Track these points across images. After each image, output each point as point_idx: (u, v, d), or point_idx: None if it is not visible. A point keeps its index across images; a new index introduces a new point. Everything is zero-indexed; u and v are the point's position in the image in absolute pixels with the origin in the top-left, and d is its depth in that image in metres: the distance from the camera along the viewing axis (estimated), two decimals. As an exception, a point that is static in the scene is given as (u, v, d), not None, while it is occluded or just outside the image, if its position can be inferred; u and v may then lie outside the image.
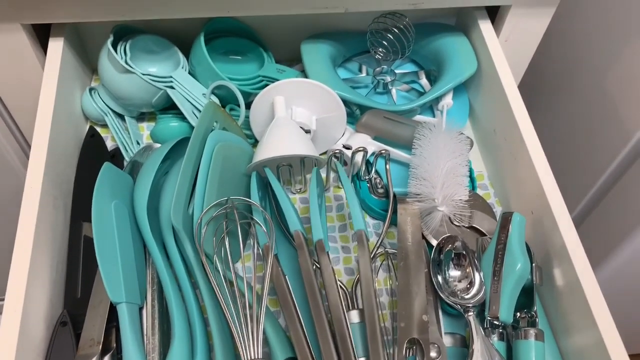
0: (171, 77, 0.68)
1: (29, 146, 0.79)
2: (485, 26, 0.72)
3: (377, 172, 0.68)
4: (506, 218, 0.57)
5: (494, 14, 0.73)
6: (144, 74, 0.66)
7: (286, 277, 0.58)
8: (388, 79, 0.75)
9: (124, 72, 0.65)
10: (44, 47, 0.67)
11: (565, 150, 0.93)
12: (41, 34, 0.67)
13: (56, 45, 0.66)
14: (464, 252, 0.59)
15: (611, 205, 0.84)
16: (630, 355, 0.50)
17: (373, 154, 0.67)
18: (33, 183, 0.55)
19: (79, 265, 0.59)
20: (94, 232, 0.55)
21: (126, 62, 0.65)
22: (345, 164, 0.67)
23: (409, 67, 0.80)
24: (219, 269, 0.56)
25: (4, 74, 0.68)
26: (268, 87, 0.65)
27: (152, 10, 0.63)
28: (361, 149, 0.64)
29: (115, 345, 0.55)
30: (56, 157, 0.60)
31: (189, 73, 0.70)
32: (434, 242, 0.61)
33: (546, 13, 0.70)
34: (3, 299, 1.02)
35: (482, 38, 0.71)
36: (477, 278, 0.57)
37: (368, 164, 0.67)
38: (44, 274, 0.54)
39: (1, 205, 0.86)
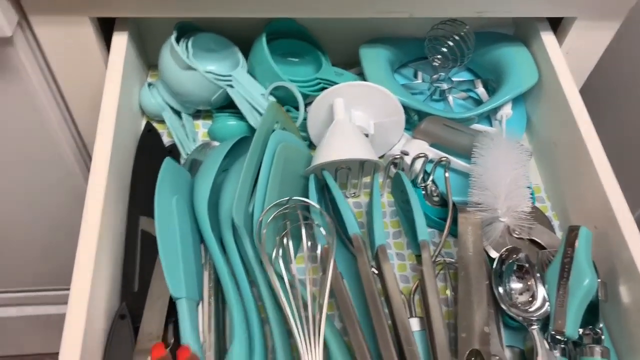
0: (231, 75, 0.68)
1: (82, 138, 0.80)
2: (548, 37, 0.71)
3: (433, 180, 0.67)
4: (573, 232, 0.56)
5: (556, 25, 0.72)
6: (205, 72, 0.66)
7: (344, 279, 0.58)
8: (445, 86, 0.74)
9: (185, 69, 0.65)
10: (105, 41, 0.68)
11: (628, 163, 0.91)
12: (104, 28, 0.67)
13: (120, 40, 0.66)
14: (527, 265, 0.58)
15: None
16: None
17: (431, 161, 0.66)
18: (98, 173, 0.55)
19: (136, 259, 0.59)
20: (157, 227, 0.55)
21: (189, 59, 0.65)
22: (401, 169, 0.66)
23: (464, 76, 0.79)
24: (278, 269, 0.56)
25: (67, 66, 0.68)
26: (328, 89, 0.65)
27: (220, 9, 0.63)
28: (422, 155, 0.63)
29: (173, 340, 0.54)
30: (118, 150, 0.60)
31: (248, 73, 0.70)
32: (493, 254, 0.60)
33: (611, 26, 0.69)
34: (63, 289, 1.01)
35: (544, 49, 0.70)
36: (540, 291, 0.56)
37: (424, 171, 0.67)
38: (105, 266, 0.54)
39: (54, 197, 0.87)
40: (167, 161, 0.59)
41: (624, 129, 0.94)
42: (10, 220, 0.95)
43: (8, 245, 1.03)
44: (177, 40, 0.67)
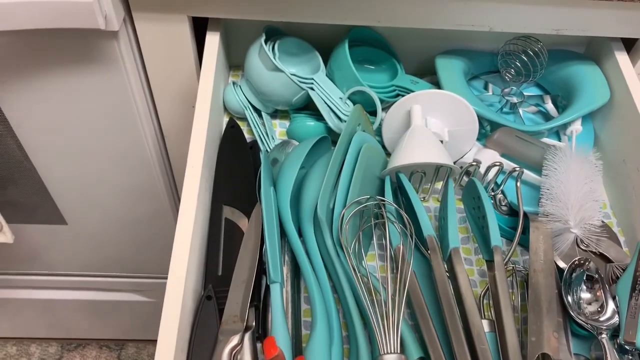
0: (312, 79, 0.72)
1: (162, 131, 0.84)
2: (622, 57, 0.72)
3: (502, 190, 0.69)
4: (646, 246, 0.57)
5: (630, 45, 0.74)
6: (290, 74, 0.69)
7: (417, 278, 0.60)
8: (515, 100, 0.76)
9: (272, 70, 0.69)
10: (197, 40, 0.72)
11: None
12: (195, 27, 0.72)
13: (213, 39, 0.70)
14: (597, 275, 0.59)
15: None
16: None
17: (503, 171, 0.68)
18: (194, 163, 0.59)
19: (220, 245, 0.62)
20: (264, 215, 0.59)
21: (275, 60, 0.69)
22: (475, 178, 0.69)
23: (533, 91, 0.81)
24: (358, 265, 0.58)
25: (160, 60, 0.72)
26: (407, 95, 0.68)
27: (306, 14, 0.67)
28: (498, 163, 0.65)
29: (254, 324, 0.57)
30: (209, 143, 0.64)
31: (327, 77, 0.73)
32: (561, 264, 0.62)
33: (686, 49, 0.71)
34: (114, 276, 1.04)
35: (618, 68, 0.71)
36: (609, 302, 0.57)
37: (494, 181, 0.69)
38: (197, 250, 0.57)
39: (129, 184, 0.92)
40: (264, 155, 0.63)
41: None
42: (84, 208, 1.00)
43: (75, 232, 1.08)
44: (265, 42, 0.71)
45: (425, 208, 0.71)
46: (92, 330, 1.52)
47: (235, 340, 0.54)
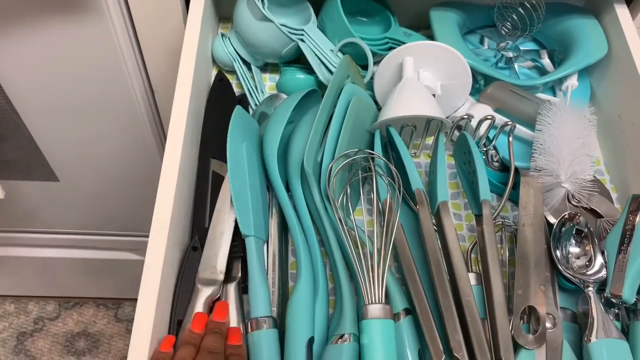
0: (303, 30, 0.70)
1: (150, 84, 0.83)
2: (622, 10, 0.70)
3: (494, 145, 0.68)
4: (636, 200, 0.57)
5: (630, -2, 0.71)
6: (280, 25, 0.67)
7: (404, 231, 0.60)
8: (511, 54, 0.74)
9: (261, 20, 0.67)
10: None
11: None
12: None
13: (200, -12, 0.68)
14: (586, 230, 0.59)
15: None
16: None
17: (495, 126, 0.67)
18: (179, 115, 0.58)
19: (207, 198, 0.62)
20: (229, 169, 0.58)
21: (265, 10, 0.67)
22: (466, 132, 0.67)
23: (529, 45, 0.79)
24: (342, 216, 0.58)
25: (147, 12, 0.71)
26: (399, 47, 0.66)
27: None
28: (490, 117, 0.64)
29: (240, 275, 0.57)
30: (195, 96, 0.63)
31: (318, 28, 0.72)
32: (551, 219, 0.62)
33: (688, 1, 0.69)
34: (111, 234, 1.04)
35: (617, 21, 0.69)
36: (598, 256, 0.57)
37: (487, 136, 0.68)
38: (182, 200, 0.57)
39: (120, 139, 0.91)
40: (238, 109, 0.62)
41: None
42: (75, 163, 0.99)
43: (68, 188, 1.08)
44: (253, -8, 0.69)
45: (416, 163, 0.70)
46: (89, 288, 1.53)
47: (211, 290, 0.54)
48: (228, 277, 0.57)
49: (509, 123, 0.65)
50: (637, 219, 0.56)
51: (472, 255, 0.62)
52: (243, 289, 0.57)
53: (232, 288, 0.56)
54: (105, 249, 1.35)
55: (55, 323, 1.52)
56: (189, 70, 0.61)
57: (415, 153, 0.70)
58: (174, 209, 0.53)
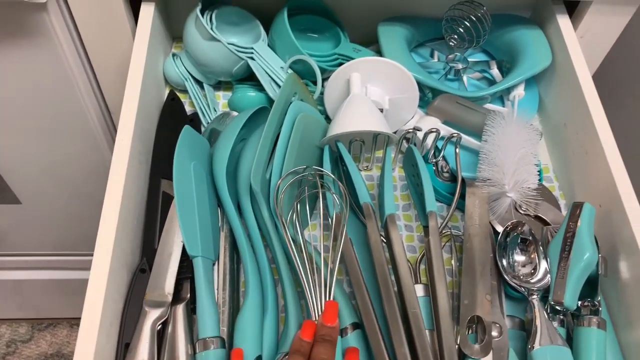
0: (252, 48, 0.71)
1: (107, 105, 0.83)
2: (563, 20, 0.72)
3: (443, 156, 0.69)
4: (577, 207, 0.58)
5: (572, 8, 0.73)
6: (228, 44, 0.68)
7: (353, 246, 0.60)
8: (460, 66, 0.76)
9: (209, 40, 0.68)
10: (133, 11, 0.70)
11: (638, 150, 0.92)
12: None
13: (148, 10, 0.69)
14: (530, 238, 0.60)
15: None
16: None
17: (442, 138, 0.68)
18: (124, 137, 0.58)
19: (157, 219, 0.62)
20: (175, 189, 0.58)
21: (212, 30, 0.68)
22: (414, 145, 0.68)
23: (479, 57, 0.81)
24: (291, 233, 0.58)
25: (96, 34, 0.71)
26: (346, 64, 0.67)
27: (243, -18, 0.65)
28: (434, 129, 0.65)
29: (189, 295, 0.57)
30: (142, 115, 0.63)
31: (268, 46, 0.72)
32: (499, 228, 0.63)
33: (626, 11, 0.70)
34: (84, 254, 1.04)
35: (560, 32, 0.71)
36: (542, 264, 0.58)
37: (436, 147, 0.69)
38: (128, 223, 0.57)
39: (75, 158, 0.90)
40: (186, 129, 0.62)
41: (633, 123, 0.94)
42: (36, 185, 0.99)
43: (32, 210, 1.07)
44: (202, 12, 0.69)
45: (369, 177, 0.71)
46: (62, 309, 1.52)
47: (159, 312, 0.54)
48: (177, 298, 0.57)
49: (455, 135, 0.66)
50: (577, 226, 0.57)
51: (422, 266, 0.62)
52: (192, 309, 0.57)
53: (180, 309, 0.56)
54: (78, 269, 1.34)
55: (28, 345, 1.50)
56: (135, 91, 0.62)
57: (367, 166, 0.71)
58: (119, 231, 0.53)
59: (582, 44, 0.72)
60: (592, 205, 0.60)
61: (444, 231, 0.64)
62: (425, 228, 0.62)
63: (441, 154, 0.68)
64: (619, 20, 0.71)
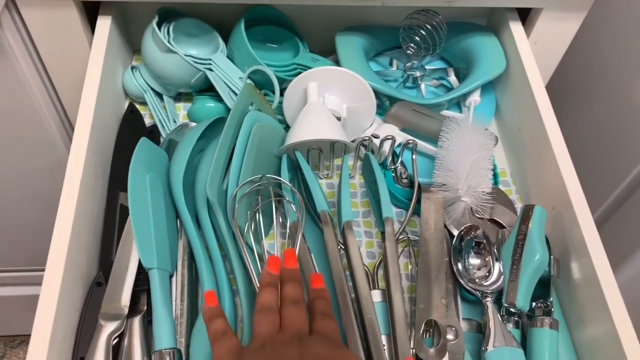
0: (210, 59, 0.71)
1: (68, 118, 0.83)
2: (516, 27, 0.74)
3: (402, 162, 0.70)
4: (528, 210, 0.59)
5: (525, 15, 0.75)
6: (185, 55, 0.68)
7: (312, 254, 0.61)
8: (418, 74, 0.77)
9: (166, 52, 0.68)
10: (91, 24, 0.70)
11: (590, 155, 0.94)
12: (89, 12, 0.70)
13: (104, 23, 0.69)
14: (484, 241, 0.61)
15: (632, 209, 0.85)
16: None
17: (400, 144, 0.69)
18: (78, 150, 0.58)
19: (114, 231, 0.62)
20: (129, 201, 0.58)
21: (169, 42, 0.68)
22: (372, 152, 0.69)
23: (438, 64, 0.82)
24: (249, 243, 0.59)
25: (53, 48, 0.71)
26: (302, 73, 0.68)
27: (199, -5, 0.66)
28: (389, 137, 0.66)
29: (145, 308, 0.57)
30: (98, 128, 0.63)
31: (227, 57, 0.73)
32: (455, 232, 0.63)
33: (576, 17, 0.72)
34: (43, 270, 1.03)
35: (512, 39, 0.73)
36: (496, 267, 0.59)
37: (394, 154, 0.70)
38: (83, 236, 0.57)
39: (41, 173, 0.90)
40: (143, 141, 0.62)
41: (586, 129, 0.97)
42: (5, 200, 0.98)
43: (2, 225, 1.06)
44: (160, 24, 0.70)
45: (329, 184, 0.72)
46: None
47: (114, 325, 0.54)
48: (134, 311, 0.57)
49: (410, 141, 0.67)
50: (529, 229, 0.58)
51: (381, 272, 0.63)
52: (149, 321, 0.57)
53: (136, 322, 0.56)
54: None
55: (0, 363, 1.48)
56: (90, 105, 0.62)
57: (327, 174, 0.72)
58: (72, 245, 0.53)
59: (536, 50, 0.74)
60: (545, 207, 0.61)
61: (401, 236, 0.65)
62: (383, 234, 0.62)
63: (399, 161, 0.69)
64: (570, 26, 0.73)
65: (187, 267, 0.61)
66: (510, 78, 0.73)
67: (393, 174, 0.70)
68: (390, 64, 0.81)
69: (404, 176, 0.70)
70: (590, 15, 0.72)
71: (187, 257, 0.61)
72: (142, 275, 0.58)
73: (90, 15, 0.70)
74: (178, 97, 0.77)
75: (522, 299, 0.55)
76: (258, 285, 0.55)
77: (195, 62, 0.69)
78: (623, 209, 0.87)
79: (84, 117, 0.61)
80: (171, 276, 0.60)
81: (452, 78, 0.79)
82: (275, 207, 0.63)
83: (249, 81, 0.71)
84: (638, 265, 0.83)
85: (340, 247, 0.61)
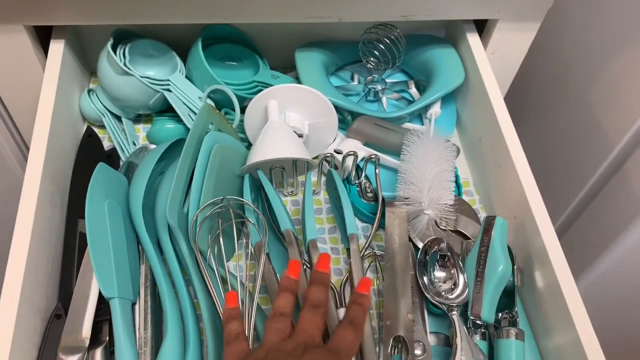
0: (168, 80, 0.70)
1: (26, 145, 0.81)
2: (473, 39, 0.74)
3: (367, 176, 0.70)
4: (489, 222, 0.59)
5: (482, 27, 0.76)
6: (142, 77, 0.68)
7: (277, 275, 0.60)
8: (379, 87, 0.77)
9: (122, 74, 0.67)
10: (44, 48, 0.69)
11: (553, 161, 0.96)
12: (42, 36, 0.69)
13: (57, 47, 0.67)
14: (449, 254, 0.61)
15: (592, 216, 0.87)
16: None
17: (364, 159, 0.69)
18: (32, 178, 0.57)
19: (74, 261, 0.60)
20: (87, 229, 0.57)
21: (125, 65, 0.67)
22: (335, 168, 0.69)
23: (399, 77, 0.82)
24: (212, 266, 0.58)
25: (5, 74, 0.69)
26: (262, 91, 0.67)
27: (153, 16, 0.65)
28: (352, 152, 0.66)
29: (107, 338, 0.56)
30: (54, 155, 0.62)
31: (186, 77, 0.72)
32: (421, 245, 0.63)
33: (531, 27, 0.73)
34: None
35: (470, 50, 0.73)
36: (461, 279, 0.59)
37: (358, 168, 0.70)
38: (40, 267, 0.55)
39: (6, 201, 0.87)
40: (100, 166, 0.61)
41: (546, 137, 0.98)
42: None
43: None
44: (115, 46, 0.69)
45: (294, 202, 0.71)
46: None
47: (75, 358, 0.52)
48: (96, 342, 0.55)
49: (373, 155, 0.67)
50: (491, 240, 0.58)
51: (348, 289, 0.63)
52: (112, 352, 0.55)
53: (98, 353, 0.54)
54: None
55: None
56: (43, 130, 0.60)
57: (292, 192, 0.71)
58: (27, 278, 0.52)
59: (494, 60, 0.75)
60: (507, 217, 0.62)
61: (367, 252, 0.64)
62: (349, 250, 0.62)
63: (363, 175, 0.69)
64: (525, 36, 0.74)
65: (150, 294, 0.60)
66: (470, 89, 0.74)
67: (358, 189, 0.70)
68: (352, 78, 0.81)
69: (368, 190, 0.70)
70: (549, 23, 0.73)
71: (150, 283, 0.60)
72: (104, 304, 0.57)
73: (43, 39, 0.69)
74: (138, 119, 0.76)
75: (488, 311, 0.56)
76: (221, 309, 0.54)
77: (153, 84, 0.68)
78: (585, 215, 0.89)
79: (38, 143, 0.59)
80: (134, 304, 0.58)
81: (413, 90, 0.80)
82: (239, 228, 0.62)
83: (208, 101, 0.70)
84: (600, 271, 0.84)
85: (306, 266, 0.61)
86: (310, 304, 0.48)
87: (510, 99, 0.74)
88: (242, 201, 0.60)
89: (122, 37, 0.70)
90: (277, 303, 0.48)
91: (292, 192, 0.71)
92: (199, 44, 0.69)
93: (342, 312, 0.58)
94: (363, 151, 0.70)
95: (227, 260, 0.63)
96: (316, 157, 0.73)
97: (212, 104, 0.71)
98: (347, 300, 0.61)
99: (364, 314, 0.49)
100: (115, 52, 0.68)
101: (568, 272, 0.55)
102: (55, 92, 0.63)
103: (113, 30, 0.69)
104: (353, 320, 0.48)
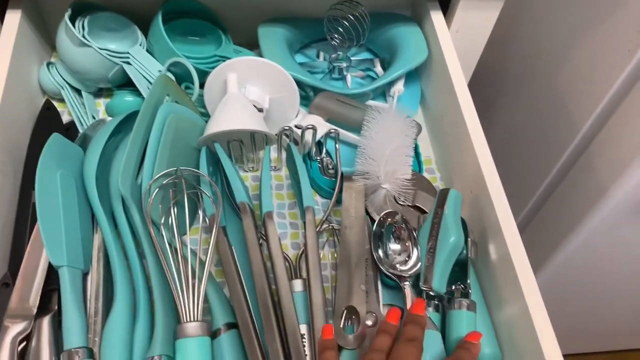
0: (128, 53, 0.69)
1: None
2: (437, 17, 0.74)
3: (328, 152, 0.70)
4: (443, 194, 0.60)
5: (446, 5, 0.76)
6: (100, 49, 0.67)
7: (232, 248, 0.60)
8: (343, 64, 0.77)
9: (81, 46, 0.66)
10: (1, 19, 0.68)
11: (521, 148, 0.96)
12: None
13: (13, 17, 0.66)
14: (404, 226, 0.61)
15: (552, 210, 0.88)
16: (564, 356, 0.51)
17: (325, 135, 0.69)
18: (-18, 147, 0.56)
19: (26, 231, 0.60)
20: (37, 197, 0.56)
21: (83, 36, 0.66)
22: (296, 143, 0.69)
23: (365, 55, 0.82)
24: (165, 237, 0.57)
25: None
26: (222, 64, 0.67)
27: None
28: (310, 126, 0.66)
29: (57, 307, 0.55)
30: (6, 124, 0.61)
31: (148, 51, 0.71)
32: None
33: (494, 6, 0.73)
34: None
35: (434, 28, 0.73)
36: (414, 251, 0.59)
37: (319, 144, 0.70)
38: (-11, 236, 0.55)
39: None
40: (54, 136, 0.60)
41: (511, 127, 0.99)
42: None
43: None
44: (74, 18, 0.68)
45: (255, 177, 0.71)
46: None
47: (21, 326, 0.52)
48: (44, 310, 0.55)
49: (332, 130, 0.67)
50: (444, 212, 0.58)
51: (304, 262, 0.62)
52: (60, 321, 0.55)
53: (45, 322, 0.54)
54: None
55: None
56: (-6, 104, 0.59)
57: (253, 167, 0.71)
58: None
59: (457, 39, 0.75)
60: (464, 192, 0.62)
61: (325, 226, 0.64)
62: (305, 223, 0.62)
63: (323, 151, 0.69)
64: (489, 15, 0.74)
65: (103, 265, 0.59)
66: (432, 67, 0.74)
67: (319, 165, 0.70)
68: (317, 56, 0.81)
69: (330, 167, 0.70)
70: (514, 10, 0.73)
71: (103, 254, 0.60)
72: (54, 274, 0.56)
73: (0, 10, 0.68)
74: (99, 93, 0.75)
75: (438, 282, 0.56)
76: (171, 279, 0.53)
77: (111, 56, 0.68)
78: (543, 211, 0.90)
79: (-11, 114, 0.58)
80: (86, 274, 0.58)
81: (378, 69, 0.80)
82: (194, 200, 0.62)
83: (169, 74, 0.70)
84: (559, 263, 0.85)
85: (262, 238, 0.60)
86: (405, 338, 0.50)
87: (484, 85, 0.74)
88: (197, 172, 0.60)
89: (83, 9, 0.70)
90: (375, 342, 0.51)
91: (252, 167, 0.71)
92: (159, 17, 0.69)
93: (296, 283, 0.58)
94: (325, 127, 0.70)
95: (182, 233, 0.63)
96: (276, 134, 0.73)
97: (172, 77, 0.70)
98: (301, 272, 0.61)
99: (422, 331, 0.51)
100: (74, 24, 0.67)
101: (520, 244, 0.56)
102: (9, 62, 0.63)
103: (71, 2, 0.68)
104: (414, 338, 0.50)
